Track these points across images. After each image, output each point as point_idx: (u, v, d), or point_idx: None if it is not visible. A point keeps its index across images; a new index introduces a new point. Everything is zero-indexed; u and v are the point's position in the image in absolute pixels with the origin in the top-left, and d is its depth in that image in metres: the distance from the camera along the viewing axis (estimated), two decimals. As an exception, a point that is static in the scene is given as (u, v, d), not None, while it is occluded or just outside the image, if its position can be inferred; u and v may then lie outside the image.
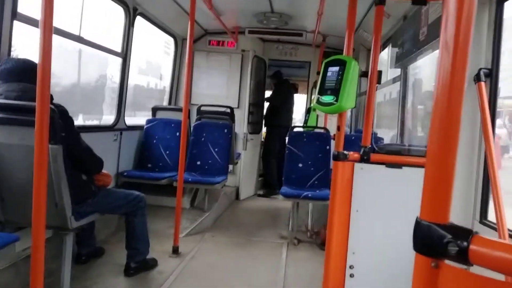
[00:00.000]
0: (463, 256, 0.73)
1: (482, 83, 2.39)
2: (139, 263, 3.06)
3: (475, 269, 0.76)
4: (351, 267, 2.51)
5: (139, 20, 4.55)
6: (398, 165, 2.48)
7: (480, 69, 2.42)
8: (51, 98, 2.49)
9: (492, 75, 2.44)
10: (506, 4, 2.42)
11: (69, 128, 2.48)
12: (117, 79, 4.40)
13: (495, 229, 2.08)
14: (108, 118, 4.51)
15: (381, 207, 2.47)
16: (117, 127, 4.38)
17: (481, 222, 2.47)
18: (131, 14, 4.28)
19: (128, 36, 4.32)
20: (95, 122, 4.82)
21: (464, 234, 0.73)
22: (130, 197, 3.00)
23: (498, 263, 0.70)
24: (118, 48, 4.27)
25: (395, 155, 2.66)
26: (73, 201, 2.47)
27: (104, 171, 2.93)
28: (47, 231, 2.07)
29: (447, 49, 0.77)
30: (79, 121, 4.25)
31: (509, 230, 2.06)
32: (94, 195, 2.75)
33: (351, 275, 2.50)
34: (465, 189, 2.55)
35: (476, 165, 2.51)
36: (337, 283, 2.48)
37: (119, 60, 4.33)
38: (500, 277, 0.76)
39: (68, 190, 2.41)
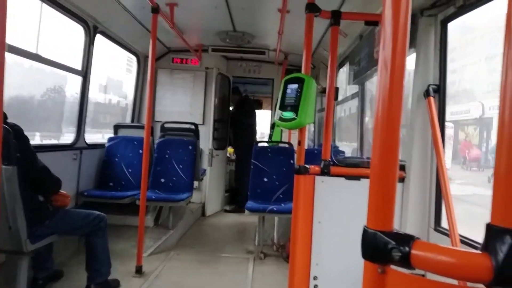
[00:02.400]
0: (405, 261, 0.78)
1: (431, 98, 2.55)
2: (100, 285, 2.96)
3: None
4: (315, 278, 2.56)
5: (100, 38, 4.50)
6: (356, 177, 2.58)
7: (429, 85, 2.58)
8: (5, 117, 2.41)
9: (440, 90, 2.60)
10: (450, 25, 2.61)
11: (24, 148, 2.40)
12: (77, 96, 4.30)
13: (448, 235, 2.20)
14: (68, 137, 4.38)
15: (341, 218, 2.55)
16: (77, 146, 4.26)
17: (435, 229, 2.59)
18: (91, 32, 4.22)
19: (89, 54, 4.25)
20: (53, 141, 4.66)
21: (406, 240, 0.79)
22: (90, 217, 2.92)
23: (436, 265, 0.76)
24: (78, 66, 4.19)
25: (354, 168, 2.76)
26: (28, 223, 2.38)
27: (62, 191, 2.84)
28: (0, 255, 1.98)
29: (385, 68, 0.84)
30: (36, 140, 4.10)
31: (460, 235, 2.18)
32: (52, 216, 2.65)
33: (315, 286, 2.55)
34: (420, 199, 2.67)
35: (429, 176, 2.65)
36: (301, 295, 2.52)
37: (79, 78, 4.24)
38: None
39: (22, 212, 2.31)
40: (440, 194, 2.51)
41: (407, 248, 0.77)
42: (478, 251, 0.75)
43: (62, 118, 4.89)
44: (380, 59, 0.86)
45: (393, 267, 0.83)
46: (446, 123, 2.76)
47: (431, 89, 2.56)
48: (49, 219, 2.63)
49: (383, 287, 0.82)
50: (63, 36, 4.35)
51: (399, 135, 0.85)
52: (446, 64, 2.64)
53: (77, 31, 4.17)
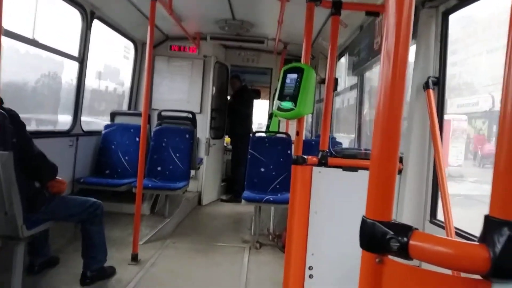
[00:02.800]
0: (404, 251, 0.78)
1: (431, 91, 2.54)
2: (96, 272, 2.97)
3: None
4: (310, 268, 2.58)
5: (98, 24, 4.44)
6: (354, 168, 2.59)
7: (429, 77, 2.57)
8: (1, 102, 2.39)
9: (439, 83, 2.60)
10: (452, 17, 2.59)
11: (20, 133, 2.39)
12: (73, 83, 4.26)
13: (443, 227, 2.21)
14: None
15: (338, 209, 2.56)
16: (73, 133, 4.24)
17: (431, 221, 2.61)
18: (88, 18, 4.16)
19: (86, 40, 4.20)
20: (49, 128, 4.63)
21: (404, 230, 0.79)
22: (86, 204, 2.91)
23: (434, 256, 0.77)
24: (75, 52, 4.15)
25: (351, 159, 2.77)
26: (24, 209, 2.37)
27: (58, 177, 2.83)
28: (-4, 241, 1.98)
29: (388, 59, 0.83)
30: (31, 126, 4.07)
31: (455, 228, 2.20)
32: (48, 203, 2.65)
33: (310, 276, 2.57)
34: (417, 191, 2.69)
35: (426, 168, 2.66)
36: (297, 284, 2.54)
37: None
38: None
39: (19, 197, 2.30)
40: (436, 187, 2.53)
41: (405, 239, 0.78)
42: (476, 243, 0.75)
43: (59, 104, 4.85)
44: (383, 50, 0.85)
45: (390, 257, 0.84)
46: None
47: (430, 82, 2.55)
48: (45, 205, 2.63)
49: (380, 277, 0.83)
50: (60, 21, 4.29)
51: (400, 126, 0.85)
52: (446, 56, 2.63)
53: (75, 16, 4.12)
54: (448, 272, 0.82)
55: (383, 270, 0.83)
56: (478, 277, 0.76)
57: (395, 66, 0.82)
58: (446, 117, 2.75)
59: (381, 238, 0.80)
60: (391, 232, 0.79)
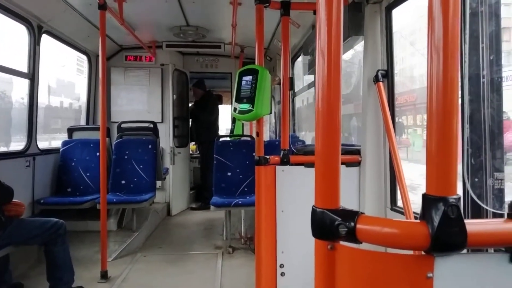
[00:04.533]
0: (352, 235, 0.82)
1: (381, 83, 2.65)
2: (64, 294, 2.87)
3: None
4: (281, 266, 2.61)
5: (47, 38, 4.30)
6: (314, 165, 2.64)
7: (378, 70, 2.68)
8: None
9: (388, 75, 2.71)
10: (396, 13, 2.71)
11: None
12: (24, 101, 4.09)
13: (403, 213, 2.31)
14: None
15: (303, 205, 2.59)
16: (29, 152, 4.07)
17: (391, 208, 2.71)
18: (35, 33, 4.02)
19: (35, 56, 4.05)
20: (2, 149, 4.42)
21: (351, 215, 0.83)
22: (47, 225, 2.81)
23: (380, 237, 0.81)
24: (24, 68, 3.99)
25: (312, 155, 2.82)
26: (-21, 236, 2.26)
27: (15, 200, 2.71)
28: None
29: (322, 56, 0.87)
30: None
31: (414, 212, 2.30)
32: (5, 227, 2.53)
33: (282, 274, 2.60)
34: (376, 181, 2.78)
35: (383, 159, 2.76)
36: (269, 284, 2.56)
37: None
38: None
39: (-28, 225, 2.19)
40: (394, 176, 2.63)
41: (352, 223, 0.82)
42: (417, 221, 0.80)
43: (11, 125, 4.64)
44: (317, 48, 0.89)
45: (342, 243, 0.87)
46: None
47: (379, 75, 2.66)
48: (2, 230, 2.51)
49: (333, 263, 0.86)
50: (6, 38, 4.12)
51: (340, 119, 0.89)
52: (392, 49, 2.75)
53: (22, 32, 3.96)
54: (398, 251, 0.87)
55: (335, 256, 0.86)
56: (422, 253, 0.81)
57: (329, 63, 0.87)
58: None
59: (330, 225, 0.83)
60: (339, 219, 0.83)
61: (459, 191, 0.81)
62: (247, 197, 4.44)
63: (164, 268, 3.78)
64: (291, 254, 2.63)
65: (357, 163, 2.78)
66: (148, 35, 5.47)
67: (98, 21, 3.52)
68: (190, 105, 6.97)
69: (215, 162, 4.84)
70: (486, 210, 1.44)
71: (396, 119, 2.89)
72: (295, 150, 2.96)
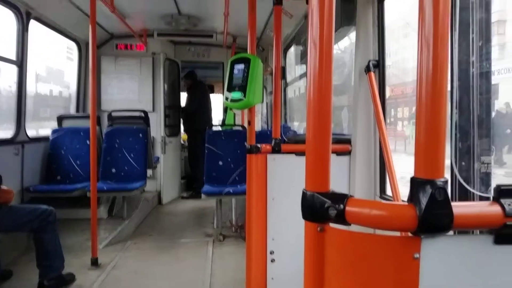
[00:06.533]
0: (341, 217, 0.84)
1: (372, 73, 2.66)
2: (54, 280, 2.87)
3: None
4: (271, 252, 2.64)
5: (36, 24, 4.22)
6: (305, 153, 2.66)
7: (369, 60, 2.69)
8: None
9: (379, 65, 2.73)
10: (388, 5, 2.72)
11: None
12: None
13: (392, 201, 2.34)
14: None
15: (294, 193, 2.60)
16: (18, 140, 4.02)
17: (381, 197, 2.75)
18: (24, 19, 3.94)
19: (23, 42, 3.98)
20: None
21: (341, 198, 0.85)
22: (37, 212, 2.79)
23: (368, 219, 0.83)
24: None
25: (303, 144, 2.84)
26: (-32, 223, 2.24)
27: (3, 187, 2.69)
28: None
29: (314, 46, 0.88)
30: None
31: (403, 201, 2.34)
32: (-6, 214, 2.51)
33: (272, 260, 2.63)
34: (366, 170, 2.81)
35: (373, 148, 2.79)
36: (259, 270, 2.60)
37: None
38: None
39: (-40, 211, 2.17)
40: (384, 165, 2.66)
41: (341, 206, 0.83)
42: (405, 203, 0.82)
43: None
44: (309, 38, 0.89)
45: (332, 225, 0.89)
46: None
47: (371, 65, 2.67)
48: (-9, 217, 2.50)
49: (322, 244, 0.88)
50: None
51: (331, 107, 0.90)
52: (384, 39, 2.76)
53: (10, 18, 3.89)
54: (385, 233, 0.89)
55: (325, 238, 0.88)
56: (410, 234, 0.83)
57: (321, 52, 0.87)
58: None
59: (320, 207, 0.85)
60: (329, 201, 0.85)
61: (447, 175, 0.83)
62: (238, 186, 4.46)
63: (155, 256, 3.80)
64: (281, 241, 2.66)
65: (348, 152, 2.81)
66: (139, 24, 5.40)
67: (88, 8, 3.46)
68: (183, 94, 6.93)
69: (206, 151, 4.84)
70: (473, 193, 1.48)
71: (392, 111, 2.91)
72: (286, 140, 2.97)
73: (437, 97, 0.78)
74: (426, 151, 0.80)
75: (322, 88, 0.88)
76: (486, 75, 1.45)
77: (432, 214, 0.78)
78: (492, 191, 0.87)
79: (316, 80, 0.88)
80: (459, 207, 0.81)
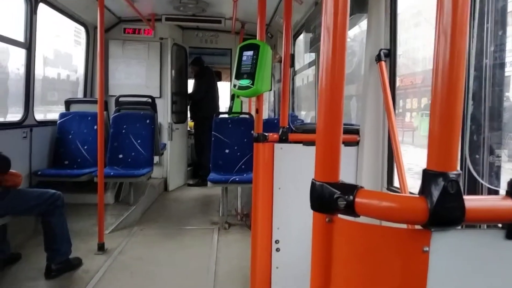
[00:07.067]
0: (350, 209, 0.83)
1: (383, 63, 2.61)
2: (61, 264, 2.91)
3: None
4: (276, 241, 2.64)
5: (44, 7, 4.20)
6: (313, 143, 2.64)
7: (381, 49, 2.64)
8: None
9: (391, 54, 2.68)
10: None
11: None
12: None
13: (400, 193, 2.32)
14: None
15: (300, 183, 2.60)
16: (26, 124, 4.04)
17: (388, 188, 2.73)
18: (32, 2, 3.93)
19: (31, 25, 3.97)
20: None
21: (350, 189, 0.83)
22: (45, 196, 2.82)
23: (378, 211, 0.82)
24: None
25: (311, 134, 2.83)
26: (-23, 205, 2.27)
27: (12, 170, 2.71)
28: None
29: (328, 33, 0.85)
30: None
31: (410, 193, 2.32)
32: (2, 197, 2.54)
33: (277, 249, 2.64)
34: (374, 161, 2.79)
35: (381, 139, 2.76)
36: (264, 259, 2.60)
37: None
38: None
39: (-31, 193, 2.20)
40: (392, 156, 2.63)
41: (351, 197, 0.82)
42: (416, 195, 0.80)
43: (7, 95, 4.59)
44: (323, 25, 0.87)
45: (340, 216, 0.88)
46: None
47: (382, 54, 2.62)
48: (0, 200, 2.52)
49: (330, 235, 0.87)
50: (3, 6, 4.03)
51: (343, 97, 0.88)
52: (396, 28, 2.70)
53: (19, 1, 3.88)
54: (393, 225, 0.88)
55: (333, 229, 0.87)
56: (420, 227, 0.82)
57: (334, 39, 0.85)
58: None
59: (329, 198, 0.84)
60: (338, 192, 0.83)
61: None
62: (244, 175, 4.46)
63: (161, 242, 3.84)
64: (287, 230, 2.66)
65: (356, 143, 2.78)
66: (148, 7, 5.36)
67: (96, -9, 3.43)
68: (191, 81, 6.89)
69: (213, 139, 4.84)
70: (481, 187, 1.45)
71: (401, 102, 2.87)
72: (294, 129, 2.95)
73: (453, 88, 0.76)
74: (440, 143, 0.78)
75: (335, 77, 0.86)
76: (500, 66, 1.42)
77: (444, 207, 0.77)
78: (501, 185, 0.85)
79: (329, 68, 0.86)
80: (471, 201, 0.79)
